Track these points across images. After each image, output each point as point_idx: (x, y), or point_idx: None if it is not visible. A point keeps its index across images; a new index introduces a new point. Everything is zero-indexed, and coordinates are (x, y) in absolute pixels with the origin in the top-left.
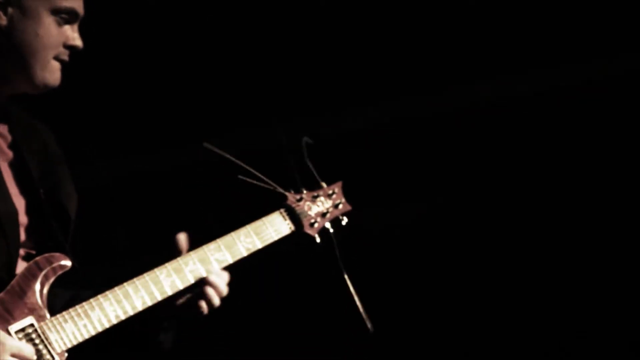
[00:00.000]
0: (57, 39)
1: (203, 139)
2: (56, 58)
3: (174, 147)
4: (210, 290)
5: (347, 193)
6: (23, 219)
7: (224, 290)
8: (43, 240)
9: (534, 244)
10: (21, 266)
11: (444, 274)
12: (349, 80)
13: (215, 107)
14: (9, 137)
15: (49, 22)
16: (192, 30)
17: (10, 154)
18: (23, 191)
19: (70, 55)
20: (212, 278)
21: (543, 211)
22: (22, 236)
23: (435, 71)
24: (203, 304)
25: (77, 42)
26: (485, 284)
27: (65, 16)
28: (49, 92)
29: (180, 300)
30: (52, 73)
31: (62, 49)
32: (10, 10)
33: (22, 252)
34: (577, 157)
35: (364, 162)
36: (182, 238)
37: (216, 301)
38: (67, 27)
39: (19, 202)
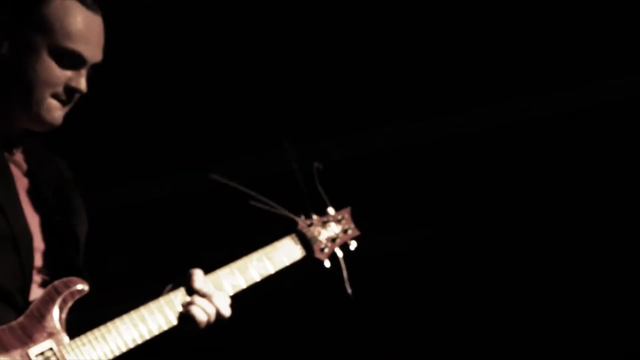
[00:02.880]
0: (56, 77)
1: (214, 165)
2: (55, 97)
3: (183, 172)
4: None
5: (355, 218)
6: (39, 244)
7: (227, 314)
8: (58, 266)
9: (534, 268)
10: (35, 291)
11: (448, 297)
12: (351, 106)
13: (225, 132)
14: (25, 166)
15: (48, 60)
16: (202, 53)
17: (26, 181)
18: (39, 218)
19: (75, 100)
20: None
21: (544, 234)
22: (38, 262)
23: (432, 98)
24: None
25: (80, 85)
26: (486, 308)
27: (69, 60)
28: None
29: None
30: (49, 112)
31: (60, 89)
32: (11, 41)
33: (37, 277)
34: (577, 186)
35: (366, 188)
36: (198, 274)
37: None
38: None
39: (35, 228)
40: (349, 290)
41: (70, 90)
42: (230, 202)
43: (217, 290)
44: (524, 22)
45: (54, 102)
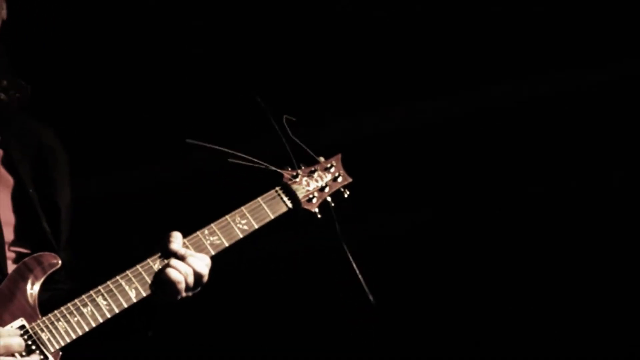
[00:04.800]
0: None
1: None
2: None
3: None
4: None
5: (347, 166)
6: (10, 218)
7: (203, 272)
8: (34, 239)
9: (536, 252)
10: (12, 267)
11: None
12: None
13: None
14: None
15: None
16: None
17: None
18: (12, 190)
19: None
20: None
21: (546, 218)
22: (11, 236)
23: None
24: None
25: None
26: (487, 292)
27: None
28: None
29: None
30: None
31: None
32: None
33: (11, 252)
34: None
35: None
36: (176, 236)
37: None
38: None
39: (7, 202)
40: (344, 244)
41: None
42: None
43: (196, 252)
44: None
45: None
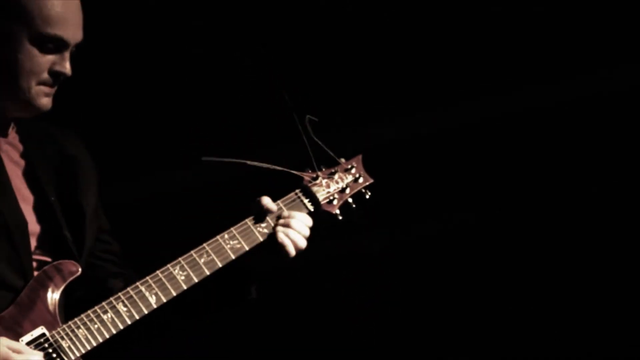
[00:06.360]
0: (40, 65)
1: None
2: (41, 83)
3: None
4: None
5: (368, 167)
6: (35, 227)
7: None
8: (56, 248)
9: (545, 260)
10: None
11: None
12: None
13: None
14: (21, 147)
15: (31, 48)
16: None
17: (22, 162)
18: (35, 199)
19: (61, 82)
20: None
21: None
22: (35, 245)
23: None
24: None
25: (64, 69)
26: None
27: (51, 45)
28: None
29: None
30: (37, 99)
31: (46, 75)
32: None
33: (35, 261)
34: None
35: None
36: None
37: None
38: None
39: (30, 212)
40: (367, 243)
41: (55, 74)
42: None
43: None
44: None
45: (41, 89)
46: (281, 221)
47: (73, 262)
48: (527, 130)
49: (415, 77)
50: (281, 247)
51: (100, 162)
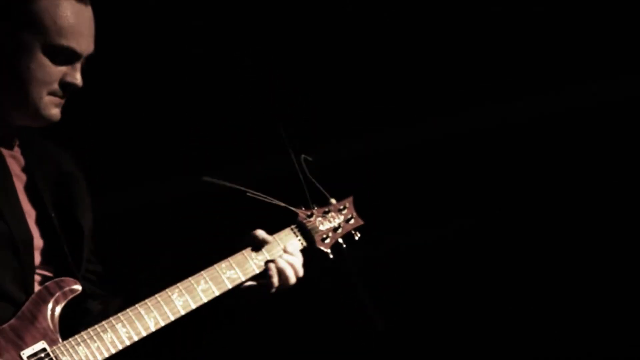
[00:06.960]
0: (52, 75)
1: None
2: (52, 94)
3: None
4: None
5: (358, 208)
6: (39, 242)
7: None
8: (57, 263)
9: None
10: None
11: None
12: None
13: (224, 136)
14: (23, 161)
15: (43, 58)
16: (205, 54)
17: (24, 177)
18: (38, 215)
19: (71, 92)
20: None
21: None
22: (38, 260)
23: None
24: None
25: (75, 80)
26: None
27: (63, 56)
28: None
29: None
30: (47, 109)
31: (56, 86)
32: (3, 43)
33: (38, 275)
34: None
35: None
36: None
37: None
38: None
39: (34, 226)
40: (356, 282)
41: (66, 85)
42: (228, 205)
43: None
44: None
45: (51, 99)
46: (281, 255)
47: (74, 280)
48: (525, 138)
49: (415, 86)
50: (271, 283)
51: (90, 172)
